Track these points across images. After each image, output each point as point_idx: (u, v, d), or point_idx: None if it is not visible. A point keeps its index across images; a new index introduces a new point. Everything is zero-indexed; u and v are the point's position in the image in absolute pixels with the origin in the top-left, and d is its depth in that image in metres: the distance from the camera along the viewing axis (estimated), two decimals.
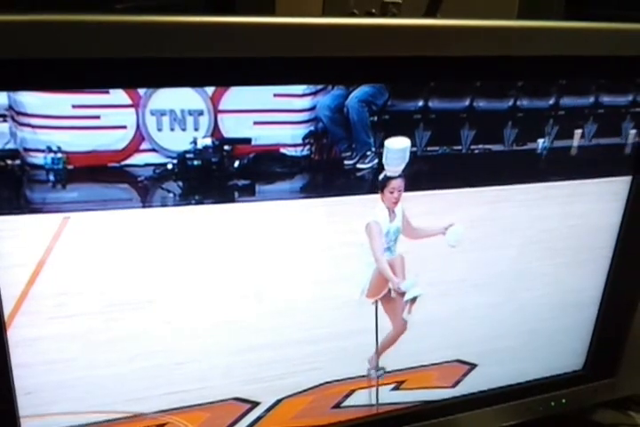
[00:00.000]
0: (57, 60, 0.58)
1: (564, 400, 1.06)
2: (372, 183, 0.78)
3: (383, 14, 1.10)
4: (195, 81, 0.66)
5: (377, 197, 0.79)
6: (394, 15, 1.11)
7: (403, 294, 0.86)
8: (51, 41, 0.57)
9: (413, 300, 0.87)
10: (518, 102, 0.80)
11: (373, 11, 1.11)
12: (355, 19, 0.71)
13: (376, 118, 0.74)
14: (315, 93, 0.71)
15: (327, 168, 0.75)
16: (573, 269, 0.97)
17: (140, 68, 0.62)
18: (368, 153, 0.76)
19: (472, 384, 0.98)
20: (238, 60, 0.65)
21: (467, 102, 0.78)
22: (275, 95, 0.69)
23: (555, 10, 1.22)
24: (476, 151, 0.81)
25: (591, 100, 0.84)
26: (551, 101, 0.82)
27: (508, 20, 0.84)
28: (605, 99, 0.85)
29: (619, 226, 0.96)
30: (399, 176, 0.78)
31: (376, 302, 0.86)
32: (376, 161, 0.76)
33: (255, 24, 0.64)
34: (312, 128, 0.72)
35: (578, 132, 0.85)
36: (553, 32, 0.77)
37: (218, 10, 1.14)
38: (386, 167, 0.77)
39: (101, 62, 0.60)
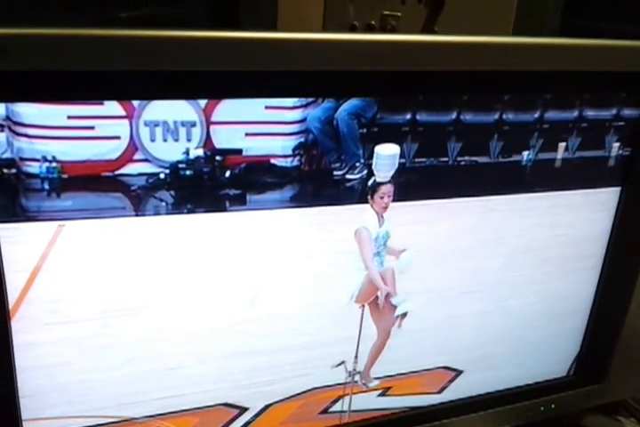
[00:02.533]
0: (54, 73, 0.59)
1: (553, 406, 1.08)
2: (362, 193, 0.79)
3: (382, 26, 1.12)
4: (188, 94, 0.67)
5: (366, 205, 0.80)
6: (393, 27, 1.12)
7: (394, 307, 0.88)
8: (47, 54, 0.58)
9: (404, 315, 0.89)
10: (504, 116, 0.82)
11: (373, 23, 1.12)
12: (345, 34, 0.72)
13: (365, 131, 0.76)
14: (305, 106, 0.72)
15: (317, 178, 0.76)
16: (562, 278, 0.98)
17: (135, 81, 0.63)
18: (357, 164, 0.77)
19: (457, 390, 0.99)
20: (231, 74, 0.66)
21: (453, 116, 0.79)
22: (266, 107, 0.70)
23: (551, 22, 1.23)
24: (463, 163, 0.82)
25: (575, 114, 0.86)
26: (536, 115, 0.84)
27: (499, 34, 0.87)
28: (589, 113, 0.87)
29: (606, 235, 0.98)
30: (389, 182, 0.80)
31: (363, 306, 0.87)
32: (365, 172, 0.77)
33: (247, 39, 0.65)
34: (302, 139, 0.73)
35: (562, 145, 0.87)
36: (540, 49, 0.78)
37: (220, 20, 1.16)
38: (376, 173, 0.78)
39: (97, 75, 0.61)
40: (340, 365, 0.89)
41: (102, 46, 0.60)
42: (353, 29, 1.12)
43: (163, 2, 1.18)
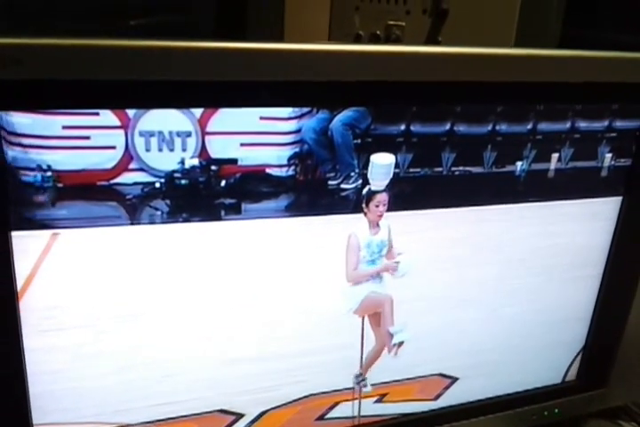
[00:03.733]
0: (48, 82, 0.60)
1: (557, 410, 1.09)
2: (357, 202, 0.80)
3: (387, 36, 1.13)
4: (184, 103, 0.68)
5: (360, 215, 0.81)
6: (397, 37, 1.13)
7: (391, 335, 0.89)
8: (58, 63, 0.59)
9: (400, 344, 0.89)
10: (497, 127, 0.82)
11: (378, 32, 1.13)
12: (346, 45, 0.73)
13: (359, 141, 0.76)
14: (300, 117, 0.73)
15: (312, 188, 0.77)
16: (559, 287, 0.98)
17: (131, 90, 0.64)
18: (352, 174, 0.78)
19: (453, 397, 0.99)
20: (228, 84, 0.67)
21: (448, 126, 0.80)
22: (261, 118, 0.71)
23: (552, 32, 1.24)
24: (457, 173, 0.83)
25: (567, 125, 0.86)
26: (529, 126, 0.84)
27: (501, 44, 0.87)
28: (581, 124, 0.87)
29: (605, 244, 0.98)
30: (384, 190, 0.80)
31: (362, 316, 0.87)
32: (360, 182, 0.78)
33: (242, 50, 0.66)
34: (297, 150, 0.74)
35: (555, 155, 0.87)
36: (536, 59, 0.79)
37: (228, 29, 1.17)
38: (371, 182, 0.79)
39: (103, 84, 0.62)
40: (344, 370, 0.89)
41: (111, 56, 0.61)
42: (358, 39, 1.13)
43: (171, 10, 1.19)
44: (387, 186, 0.80)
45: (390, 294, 0.87)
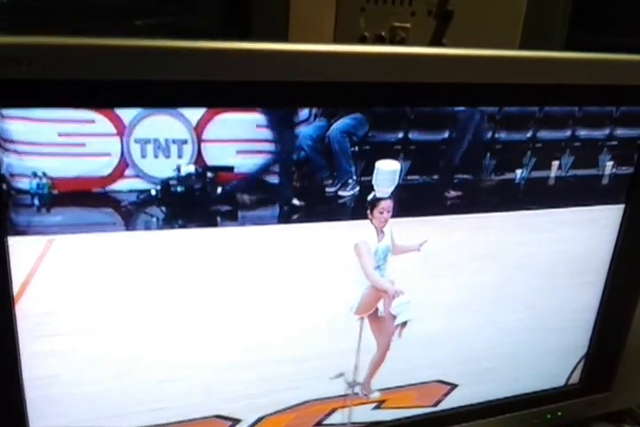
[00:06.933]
0: (49, 81, 0.60)
1: (560, 413, 1.08)
2: (355, 209, 0.79)
3: (392, 38, 1.13)
4: (184, 104, 0.67)
5: (360, 221, 0.80)
6: (402, 39, 1.13)
7: (394, 317, 0.88)
8: (60, 63, 0.59)
9: (404, 324, 0.89)
10: (497, 135, 0.82)
11: (383, 34, 1.13)
12: (350, 46, 0.73)
13: (357, 148, 0.76)
14: (297, 124, 0.72)
15: (309, 195, 0.77)
16: (559, 294, 0.98)
17: (136, 90, 0.64)
18: (349, 181, 0.77)
19: (453, 403, 0.99)
20: (230, 84, 0.67)
21: (446, 134, 0.79)
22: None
23: (557, 36, 1.23)
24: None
25: (568, 133, 0.86)
26: (529, 134, 0.84)
27: (506, 47, 0.86)
28: (582, 132, 0.87)
29: (606, 251, 0.98)
30: (389, 197, 0.80)
31: (362, 319, 0.87)
32: (357, 189, 0.78)
33: (243, 50, 0.66)
34: (294, 157, 0.74)
35: (555, 163, 0.87)
36: (542, 61, 0.79)
37: (233, 30, 1.17)
38: (376, 188, 0.79)
39: (96, 84, 0.62)
40: (339, 376, 0.89)
41: (112, 56, 0.61)
42: (363, 40, 1.13)
43: (177, 11, 1.19)
44: (391, 193, 0.80)
45: (392, 278, 0.86)
